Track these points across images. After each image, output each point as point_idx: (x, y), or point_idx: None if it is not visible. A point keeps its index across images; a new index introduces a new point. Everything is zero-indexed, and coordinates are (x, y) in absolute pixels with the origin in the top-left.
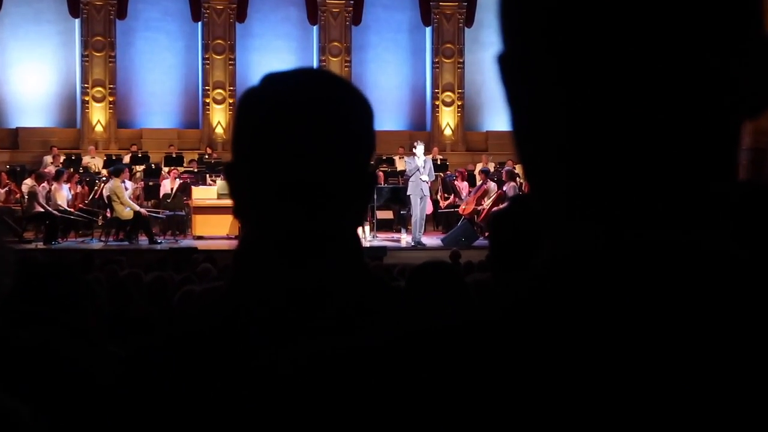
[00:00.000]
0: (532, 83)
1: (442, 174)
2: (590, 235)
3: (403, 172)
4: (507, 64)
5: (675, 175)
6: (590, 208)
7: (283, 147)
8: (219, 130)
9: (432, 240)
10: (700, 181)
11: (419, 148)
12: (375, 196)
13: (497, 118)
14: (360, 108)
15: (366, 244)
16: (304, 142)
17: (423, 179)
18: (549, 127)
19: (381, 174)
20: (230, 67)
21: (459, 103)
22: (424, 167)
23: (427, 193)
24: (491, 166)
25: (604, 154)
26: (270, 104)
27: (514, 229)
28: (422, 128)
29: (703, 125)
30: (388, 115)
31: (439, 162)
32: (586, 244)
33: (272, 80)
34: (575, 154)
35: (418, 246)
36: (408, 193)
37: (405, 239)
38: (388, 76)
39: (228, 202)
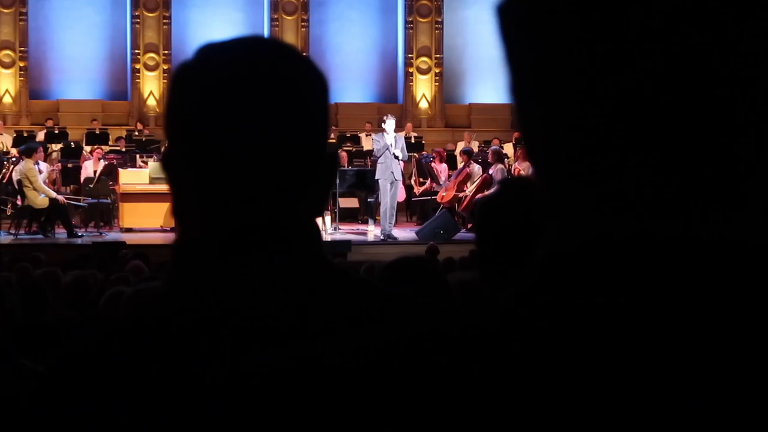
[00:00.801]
0: (546, 36)
1: (416, 155)
2: (608, 225)
3: (370, 152)
4: (511, 13)
5: (709, 163)
6: (611, 192)
7: (226, 130)
8: (151, 102)
9: (405, 233)
10: (729, 173)
11: (389, 123)
12: (337, 181)
13: (482, 89)
14: (313, 82)
15: (326, 237)
16: (249, 123)
17: (396, 157)
18: (561, 92)
19: (344, 155)
20: (165, 26)
21: (437, 71)
22: (395, 146)
23: (399, 177)
24: (475, 146)
25: (632, 125)
26: (207, 81)
27: (504, 218)
28: (393, 100)
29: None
30: (353, 84)
31: (413, 140)
32: (602, 234)
33: (209, 52)
34: (593, 125)
35: (388, 240)
36: (376, 177)
37: (373, 232)
38: (353, 38)
39: (163, 187)
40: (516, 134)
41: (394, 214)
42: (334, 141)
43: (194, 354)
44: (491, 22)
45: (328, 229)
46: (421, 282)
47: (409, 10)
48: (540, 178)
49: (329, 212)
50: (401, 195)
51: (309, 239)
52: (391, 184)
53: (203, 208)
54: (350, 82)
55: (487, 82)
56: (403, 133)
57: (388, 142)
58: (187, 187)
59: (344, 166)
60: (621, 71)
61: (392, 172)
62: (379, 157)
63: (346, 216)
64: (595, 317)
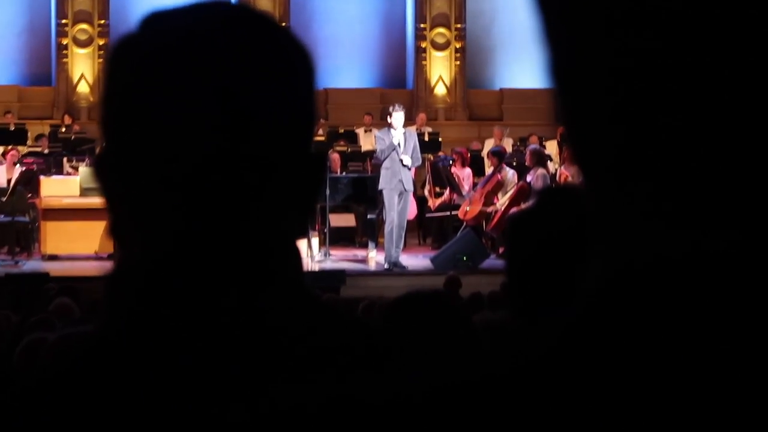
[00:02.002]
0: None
1: (431, 156)
2: (677, 241)
3: (371, 154)
4: None
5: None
6: (677, 202)
7: (180, 122)
8: (83, 88)
9: (416, 260)
10: None
11: (397, 116)
12: (327, 192)
13: (517, 70)
14: (294, 60)
15: (312, 266)
16: (210, 113)
17: (404, 163)
18: (617, 71)
19: (336, 157)
20: None
21: (457, 46)
22: (404, 146)
23: (409, 186)
24: (508, 145)
25: (710, 119)
26: (156, 59)
27: (543, 240)
28: (401, 85)
29: None
30: (348, 64)
31: (427, 137)
32: (672, 252)
33: (159, 22)
34: (663, 115)
35: (394, 269)
36: (380, 187)
37: (374, 258)
38: (347, 2)
39: (97, 201)
40: (562, 129)
41: (403, 235)
42: (322, 139)
43: (134, 422)
44: None
45: (314, 255)
46: (438, 325)
47: None
48: (590, 185)
49: (316, 233)
50: (412, 210)
51: (287, 268)
52: (398, 196)
53: (149, 227)
54: (344, 61)
55: (524, 61)
56: (414, 129)
57: (396, 140)
58: (128, 200)
59: (336, 172)
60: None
61: (400, 181)
62: (383, 161)
63: (339, 238)
64: (676, 359)
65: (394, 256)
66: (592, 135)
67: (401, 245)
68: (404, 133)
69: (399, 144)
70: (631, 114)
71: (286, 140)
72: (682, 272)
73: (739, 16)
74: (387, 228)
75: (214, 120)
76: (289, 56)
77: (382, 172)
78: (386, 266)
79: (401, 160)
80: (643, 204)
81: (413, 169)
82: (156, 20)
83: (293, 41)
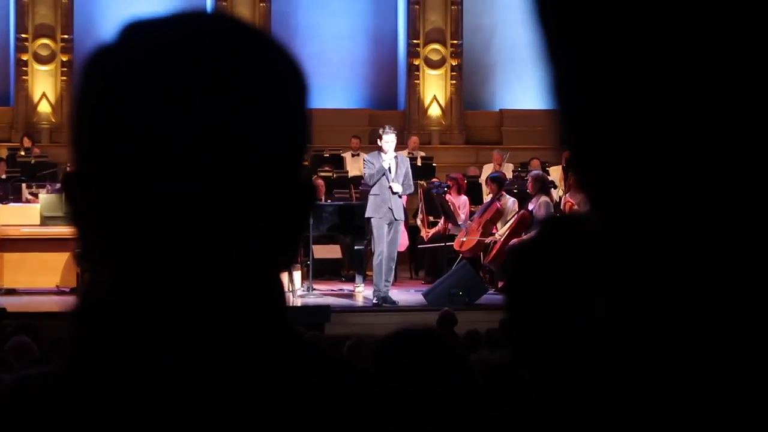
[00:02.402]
0: (605, 10)
1: (424, 183)
2: (686, 276)
3: (358, 180)
4: None
5: None
6: (690, 235)
7: (160, 139)
8: (44, 108)
9: (407, 294)
10: None
11: (387, 139)
12: (311, 220)
13: (519, 90)
14: (283, 73)
15: (295, 302)
16: (193, 130)
17: (394, 191)
18: (628, 89)
19: (321, 183)
20: (64, 1)
21: (453, 63)
22: (395, 171)
23: (400, 215)
24: (508, 170)
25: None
26: (134, 71)
27: (545, 272)
28: (391, 105)
29: None
30: (334, 83)
31: (419, 162)
32: (679, 287)
33: (138, 32)
34: (673, 142)
35: (383, 304)
36: (368, 215)
37: (362, 293)
38: (334, 16)
39: (60, 230)
40: (567, 154)
41: (393, 267)
42: (305, 163)
43: None
44: None
45: (296, 289)
46: (433, 365)
47: None
48: (596, 214)
49: (298, 265)
50: (403, 241)
51: (270, 303)
52: (388, 226)
53: (121, 256)
54: (329, 79)
55: (526, 80)
56: (406, 152)
57: (385, 164)
58: (99, 225)
59: (320, 200)
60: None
61: (390, 209)
62: (371, 186)
63: (323, 271)
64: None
65: (383, 290)
66: (598, 161)
67: (391, 278)
68: (396, 158)
69: (389, 169)
70: (640, 140)
71: (276, 163)
72: (692, 308)
73: (744, 36)
74: (375, 260)
75: (196, 138)
76: (278, 70)
77: (371, 199)
78: (375, 301)
79: (391, 188)
80: (651, 235)
81: (405, 197)
82: (135, 30)
83: (283, 54)
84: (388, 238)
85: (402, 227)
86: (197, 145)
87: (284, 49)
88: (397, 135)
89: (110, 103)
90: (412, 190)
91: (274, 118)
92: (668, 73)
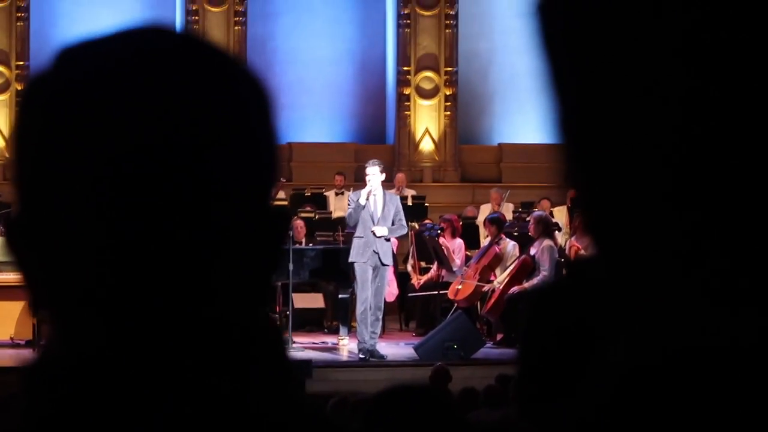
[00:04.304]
0: (613, 45)
1: (416, 225)
2: (707, 328)
3: (343, 221)
4: (554, 15)
5: None
6: (707, 283)
7: (103, 174)
8: None
9: (397, 348)
10: None
11: (370, 172)
12: (290, 266)
13: (520, 122)
14: (244, 94)
15: None
16: (141, 161)
17: (377, 234)
18: (637, 127)
19: (300, 224)
20: (19, 24)
21: (448, 93)
22: (381, 212)
23: (388, 260)
24: (508, 211)
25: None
26: (73, 99)
27: (570, 323)
28: (379, 139)
29: None
30: (317, 114)
31: (410, 202)
32: (701, 341)
33: (76, 54)
34: (690, 181)
35: (370, 359)
36: (351, 260)
37: (347, 346)
38: (317, 40)
39: (13, 277)
40: (572, 192)
41: (380, 318)
42: (285, 203)
43: None
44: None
45: None
46: (428, 426)
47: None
48: (605, 260)
49: (277, 316)
50: (392, 289)
51: (272, 351)
52: (374, 271)
53: (74, 306)
54: (311, 110)
55: (527, 112)
56: (395, 191)
57: (363, 201)
58: (47, 274)
59: (301, 243)
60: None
61: (375, 252)
62: (352, 227)
63: (304, 322)
64: None
65: (369, 343)
66: (610, 203)
67: (378, 330)
68: (385, 197)
69: (373, 206)
70: (662, 181)
71: (239, 192)
72: (716, 365)
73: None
74: (359, 309)
75: (146, 169)
76: (237, 90)
77: (354, 241)
78: (360, 355)
79: (374, 232)
80: (671, 287)
81: (395, 240)
82: (72, 53)
83: (246, 74)
84: (374, 286)
85: (390, 273)
86: (146, 180)
87: (245, 68)
88: (384, 169)
89: (49, 139)
90: (405, 231)
91: (233, 143)
92: (699, 110)
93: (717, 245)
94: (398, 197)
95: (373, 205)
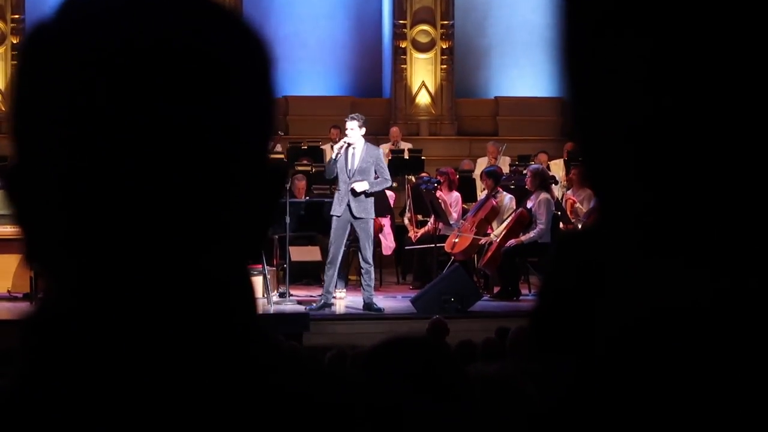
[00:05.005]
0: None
1: (413, 178)
2: (699, 287)
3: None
4: None
5: None
6: (705, 245)
7: (108, 126)
8: None
9: (394, 300)
10: None
11: (350, 125)
12: (287, 219)
13: (515, 75)
14: (249, 52)
15: (268, 309)
16: (145, 114)
17: (357, 190)
18: (653, 86)
19: (302, 184)
20: None
21: (444, 46)
22: (357, 164)
23: (361, 212)
24: (505, 164)
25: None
26: (78, 50)
27: (594, 270)
28: (375, 93)
29: None
30: (313, 68)
31: (407, 156)
32: (694, 300)
33: (81, 7)
34: (696, 145)
35: (370, 310)
36: (331, 213)
37: (344, 299)
38: None
39: (10, 230)
40: (569, 145)
41: (370, 270)
42: (282, 156)
43: None
44: None
45: (271, 296)
46: (425, 377)
47: None
48: (605, 214)
49: (273, 269)
50: (388, 243)
51: (242, 304)
52: (350, 226)
53: (75, 256)
54: (307, 64)
55: (524, 65)
56: (389, 146)
57: (333, 155)
58: (43, 225)
59: (299, 197)
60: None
61: (348, 206)
62: (330, 180)
63: (301, 275)
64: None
65: (364, 295)
66: (616, 155)
67: (372, 283)
68: (364, 150)
69: (351, 161)
70: (669, 139)
71: (236, 143)
72: (712, 322)
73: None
74: (328, 263)
75: (156, 120)
76: (245, 46)
77: (336, 194)
78: (313, 305)
79: (353, 189)
80: (670, 246)
81: (392, 193)
82: (76, 4)
83: (243, 26)
84: (360, 238)
85: (387, 227)
86: (139, 125)
87: (245, 22)
88: (365, 124)
89: (48, 86)
90: (388, 184)
91: (232, 97)
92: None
93: (705, 212)
94: (380, 150)
95: (351, 160)
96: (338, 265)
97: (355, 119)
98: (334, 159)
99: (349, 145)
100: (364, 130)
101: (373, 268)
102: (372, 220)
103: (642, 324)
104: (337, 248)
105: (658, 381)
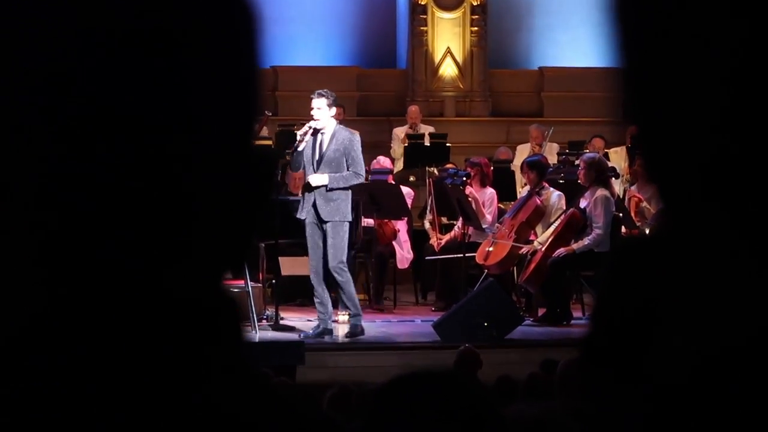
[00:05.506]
0: None
1: (435, 171)
2: None
3: None
4: None
5: None
6: None
7: (52, 105)
8: None
9: (411, 326)
10: None
11: (317, 104)
12: (277, 222)
13: (564, 41)
14: (225, 8)
15: (252, 335)
16: (99, 88)
17: (312, 184)
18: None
19: (299, 175)
20: None
21: (475, 3)
22: (319, 152)
23: (328, 215)
24: (551, 153)
25: None
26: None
27: (651, 289)
28: (388, 63)
29: None
30: (309, 31)
31: (428, 142)
32: None
33: None
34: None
35: (326, 338)
36: (297, 216)
37: (347, 323)
38: None
39: None
40: (633, 129)
41: (351, 291)
42: (269, 143)
43: None
44: None
45: (255, 320)
46: (450, 421)
47: None
48: (673, 218)
49: (260, 285)
50: (404, 253)
51: (212, 331)
52: (321, 231)
53: (9, 271)
54: (302, 26)
55: (576, 27)
56: (405, 129)
57: (302, 144)
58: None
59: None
60: None
61: (313, 207)
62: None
63: (293, 292)
64: None
65: (329, 326)
66: (680, 144)
67: (357, 303)
68: (333, 136)
69: (317, 149)
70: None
71: (214, 127)
72: None
73: None
74: (311, 280)
75: (105, 94)
76: (222, 5)
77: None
78: (311, 331)
79: (308, 182)
80: (734, 263)
81: (410, 191)
82: None
83: None
84: (329, 244)
85: (403, 233)
86: (108, 104)
87: None
88: (335, 102)
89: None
90: (358, 180)
91: (208, 66)
92: None
93: None
94: (355, 136)
95: (317, 148)
96: (322, 278)
97: (323, 96)
98: (298, 148)
99: (316, 130)
100: (334, 110)
101: (347, 271)
102: (347, 224)
103: (738, 352)
104: (316, 259)
105: (762, 417)
